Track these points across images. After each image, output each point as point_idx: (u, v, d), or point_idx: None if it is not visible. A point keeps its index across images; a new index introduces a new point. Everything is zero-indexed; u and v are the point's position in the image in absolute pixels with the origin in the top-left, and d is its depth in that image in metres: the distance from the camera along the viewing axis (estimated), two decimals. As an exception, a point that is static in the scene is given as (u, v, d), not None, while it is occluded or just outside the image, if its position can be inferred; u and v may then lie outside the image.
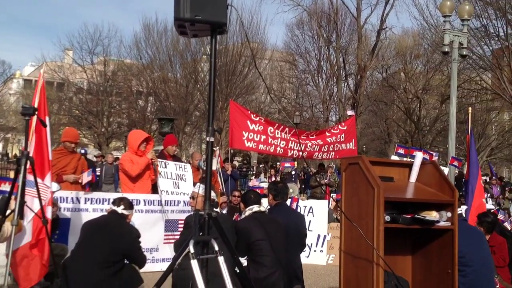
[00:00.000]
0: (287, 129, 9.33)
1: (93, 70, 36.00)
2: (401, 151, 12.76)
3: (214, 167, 8.51)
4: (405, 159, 11.72)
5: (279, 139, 8.93)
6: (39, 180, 5.03)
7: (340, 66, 34.43)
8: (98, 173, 16.63)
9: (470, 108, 9.59)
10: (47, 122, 5.45)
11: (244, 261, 5.37)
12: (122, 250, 5.12)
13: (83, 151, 19.62)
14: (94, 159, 23.01)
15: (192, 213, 5.83)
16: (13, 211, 4.74)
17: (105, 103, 35.44)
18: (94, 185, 15.06)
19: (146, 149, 7.92)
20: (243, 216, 5.78)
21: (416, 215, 4.33)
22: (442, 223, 4.40)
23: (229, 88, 30.87)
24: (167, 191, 8.18)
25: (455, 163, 13.02)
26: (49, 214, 5.29)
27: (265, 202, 6.32)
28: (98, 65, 36.72)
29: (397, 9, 47.49)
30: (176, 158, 9.31)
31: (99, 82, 36.01)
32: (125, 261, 5.29)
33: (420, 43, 33.28)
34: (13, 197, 4.87)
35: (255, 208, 5.64)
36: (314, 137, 9.55)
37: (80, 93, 38.42)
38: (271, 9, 62.16)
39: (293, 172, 11.71)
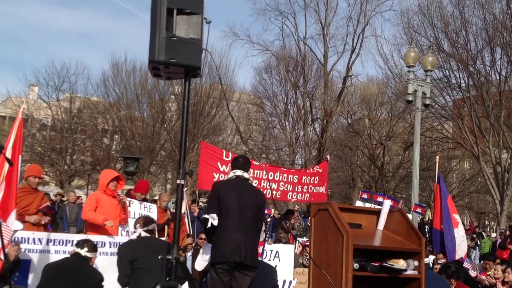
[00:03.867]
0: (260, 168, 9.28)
1: (58, 107, 35.54)
2: (365, 196, 12.94)
3: (182, 210, 8.43)
4: (367, 204, 11.86)
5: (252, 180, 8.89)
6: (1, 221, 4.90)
7: (306, 111, 34.93)
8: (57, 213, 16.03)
9: (437, 157, 9.78)
10: (19, 160, 5.43)
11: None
12: (84, 295, 4.97)
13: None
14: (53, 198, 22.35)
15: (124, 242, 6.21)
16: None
17: (69, 140, 34.88)
18: (55, 226, 14.62)
19: (116, 188, 7.78)
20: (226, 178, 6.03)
21: (384, 263, 4.35)
22: (409, 272, 4.43)
23: (196, 129, 30.88)
24: (127, 231, 8.01)
25: (418, 209, 13.23)
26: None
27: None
28: (64, 101, 36.29)
29: (362, 57, 48.60)
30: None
31: (64, 119, 35.52)
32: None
33: (384, 91, 34.18)
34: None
35: (238, 172, 5.69)
36: (293, 171, 9.56)
37: (44, 129, 37.78)
38: (240, 52, 63.50)
39: (268, 219, 11.50)
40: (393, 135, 34.58)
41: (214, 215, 5.33)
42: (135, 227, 5.93)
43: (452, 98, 26.28)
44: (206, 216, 5.45)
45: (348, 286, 4.14)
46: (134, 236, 5.87)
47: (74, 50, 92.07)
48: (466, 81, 24.34)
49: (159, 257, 4.09)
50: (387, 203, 4.89)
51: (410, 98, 14.91)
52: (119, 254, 5.58)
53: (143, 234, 5.75)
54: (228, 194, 5.47)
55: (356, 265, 4.21)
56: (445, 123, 29.27)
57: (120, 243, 7.43)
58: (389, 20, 49.79)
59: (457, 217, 9.20)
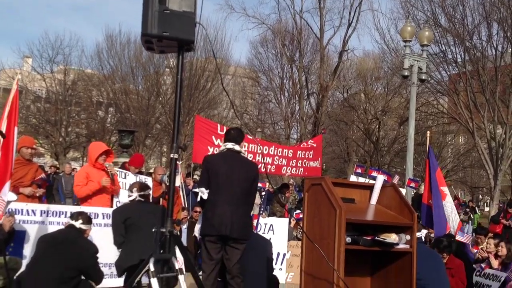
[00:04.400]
0: (254, 142, 9.35)
1: (53, 79, 35.28)
2: (359, 170, 12.99)
3: (177, 183, 8.46)
4: (361, 178, 11.92)
5: (245, 153, 8.95)
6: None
7: (302, 85, 34.81)
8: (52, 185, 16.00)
9: (428, 132, 9.80)
10: (15, 132, 5.44)
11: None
12: (79, 267, 5.00)
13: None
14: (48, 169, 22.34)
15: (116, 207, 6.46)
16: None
17: (64, 113, 34.71)
18: (50, 198, 14.63)
19: (105, 162, 7.78)
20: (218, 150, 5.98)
21: (376, 237, 4.39)
22: (401, 246, 4.48)
23: (191, 102, 30.78)
24: (121, 202, 8.04)
25: (412, 184, 13.29)
26: None
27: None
28: (58, 73, 36.00)
29: (359, 32, 48.75)
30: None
31: (58, 91, 35.30)
32: (82, 277, 5.17)
33: (381, 66, 34.06)
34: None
35: (229, 145, 5.61)
36: (287, 147, 9.61)
37: (38, 101, 37.55)
38: (235, 25, 62.72)
39: (263, 193, 11.64)
40: (388, 110, 34.60)
41: (203, 189, 5.36)
42: (131, 191, 5.96)
43: (448, 73, 26.19)
44: (196, 190, 5.51)
45: (341, 259, 4.17)
46: (128, 200, 5.98)
47: (69, 22, 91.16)
48: (462, 56, 24.24)
49: (153, 230, 4.11)
50: (380, 178, 4.92)
51: (406, 73, 14.88)
52: (112, 216, 5.76)
53: (138, 199, 5.83)
54: (218, 168, 5.44)
55: (348, 239, 4.25)
56: (440, 98, 29.25)
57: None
58: (387, -7, 49.14)
59: (445, 189, 9.22)
